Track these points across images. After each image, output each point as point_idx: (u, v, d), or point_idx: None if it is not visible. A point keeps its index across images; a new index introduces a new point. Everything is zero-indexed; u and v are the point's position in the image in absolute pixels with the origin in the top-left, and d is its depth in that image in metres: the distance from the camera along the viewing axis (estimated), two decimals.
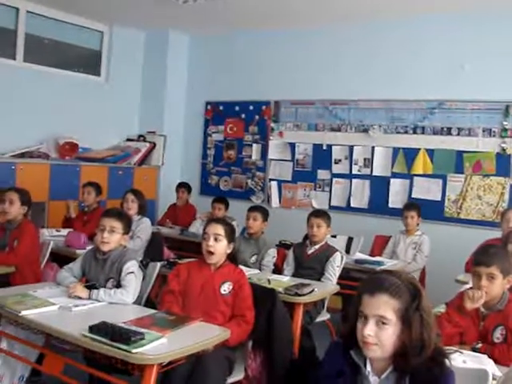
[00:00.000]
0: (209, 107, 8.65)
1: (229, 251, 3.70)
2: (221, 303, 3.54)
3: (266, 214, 5.52)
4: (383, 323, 1.99)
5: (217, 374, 3.19)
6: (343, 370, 2.11)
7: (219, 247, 3.63)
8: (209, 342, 2.95)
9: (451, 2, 6.33)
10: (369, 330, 1.98)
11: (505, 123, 6.49)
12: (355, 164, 7.37)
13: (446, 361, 2.06)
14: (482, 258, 3.20)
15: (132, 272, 3.64)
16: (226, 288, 3.57)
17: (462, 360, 2.61)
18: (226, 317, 3.52)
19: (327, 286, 4.68)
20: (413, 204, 6.39)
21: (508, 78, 6.40)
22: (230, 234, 3.71)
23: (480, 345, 3.06)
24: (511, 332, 3.05)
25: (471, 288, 3.21)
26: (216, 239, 3.62)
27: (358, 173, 7.36)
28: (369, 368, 2.09)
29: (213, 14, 7.40)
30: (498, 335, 3.09)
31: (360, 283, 2.17)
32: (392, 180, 7.12)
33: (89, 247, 4.27)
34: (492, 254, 3.24)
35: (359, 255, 5.74)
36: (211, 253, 3.60)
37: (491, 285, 3.11)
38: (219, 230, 3.67)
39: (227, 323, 3.41)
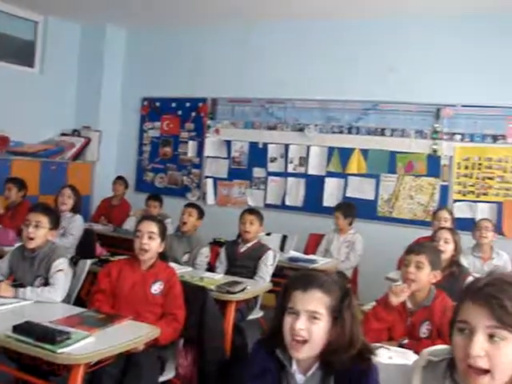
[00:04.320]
0: (145, 103, 8.55)
1: (160, 250, 3.67)
2: (151, 303, 3.51)
3: (201, 212, 5.52)
4: (315, 318, 1.99)
5: (148, 374, 3.17)
6: (269, 368, 2.11)
7: (153, 245, 3.60)
8: (138, 340, 2.93)
9: (385, 8, 6.50)
10: (301, 325, 1.97)
11: (436, 125, 6.67)
12: (291, 163, 7.43)
13: (372, 356, 2.10)
14: (414, 247, 3.37)
15: (61, 270, 3.57)
16: (156, 288, 3.54)
17: (388, 356, 2.66)
18: (157, 316, 3.49)
19: (260, 284, 4.70)
20: (340, 205, 6.50)
21: (439, 82, 6.58)
22: (163, 232, 3.69)
23: (406, 340, 3.12)
24: (436, 327, 3.13)
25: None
26: (150, 237, 3.59)
27: (294, 171, 7.42)
28: (294, 366, 2.09)
29: (150, 8, 7.34)
30: (424, 330, 3.17)
31: (289, 280, 2.17)
32: (327, 179, 7.21)
33: (18, 244, 4.17)
34: (423, 245, 3.46)
35: (293, 253, 5.79)
36: (145, 251, 3.57)
37: (418, 273, 3.21)
38: (153, 227, 3.64)
39: (157, 322, 3.38)
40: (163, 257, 3.80)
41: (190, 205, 5.61)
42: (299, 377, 2.09)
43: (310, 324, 1.99)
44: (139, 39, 8.60)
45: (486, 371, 1.56)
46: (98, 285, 3.58)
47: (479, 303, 1.59)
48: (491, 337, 1.56)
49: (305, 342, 1.98)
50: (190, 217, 5.39)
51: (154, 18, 7.83)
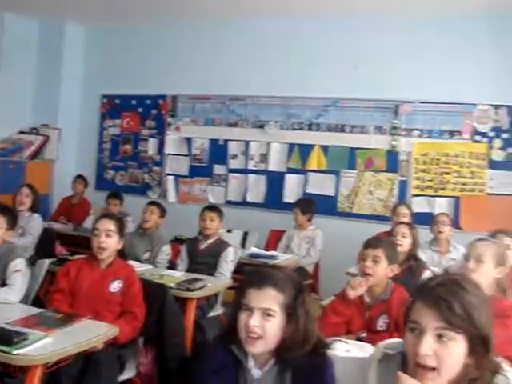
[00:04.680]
0: (105, 100, 8.49)
1: (119, 247, 3.65)
2: (110, 301, 3.48)
3: (163, 210, 5.52)
4: (269, 315, 2.02)
5: (108, 373, 3.15)
6: (226, 364, 2.13)
7: (111, 243, 3.58)
8: (97, 339, 2.91)
9: (345, 7, 6.58)
10: (255, 322, 2.00)
11: (394, 121, 6.78)
12: (251, 159, 7.46)
13: (327, 351, 2.13)
14: (371, 241, 3.40)
15: (19, 270, 3.53)
16: (115, 286, 3.51)
17: (345, 349, 2.70)
18: (116, 315, 3.47)
19: (220, 281, 4.70)
20: (299, 201, 6.54)
21: (398, 79, 6.68)
22: (121, 230, 3.67)
23: (364, 334, 3.16)
24: (394, 320, 3.17)
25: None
26: (108, 235, 3.57)
27: (254, 168, 7.45)
28: (251, 362, 2.11)
29: (110, 5, 7.28)
30: (381, 323, 3.21)
31: (244, 277, 2.20)
32: (287, 175, 7.26)
33: None
34: (380, 239, 3.51)
35: (254, 250, 5.81)
36: (103, 249, 3.54)
37: (375, 267, 3.25)
38: (110, 225, 3.62)
39: (117, 321, 3.36)
40: (122, 255, 3.77)
41: (152, 203, 5.60)
42: (256, 372, 2.11)
43: (264, 321, 2.01)
44: (99, 36, 8.51)
45: (434, 368, 1.63)
46: (57, 284, 3.55)
47: (429, 305, 1.66)
48: (440, 337, 1.64)
49: (259, 337, 2.01)
50: (151, 215, 5.38)
51: (113, 15, 7.75)
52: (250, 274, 2.19)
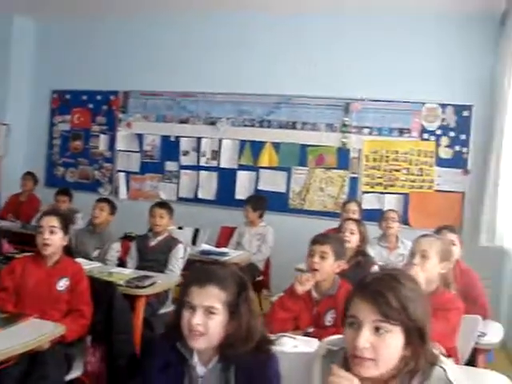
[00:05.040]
0: (55, 96, 8.35)
1: (65, 243, 3.60)
2: (57, 300, 3.43)
3: (113, 207, 5.47)
4: (211, 313, 2.02)
5: (55, 373, 3.10)
6: (171, 361, 2.13)
7: (55, 239, 3.53)
8: (42, 338, 2.86)
9: (296, 5, 6.64)
10: (197, 320, 2.00)
11: (345, 119, 6.87)
12: (203, 156, 7.46)
13: (272, 347, 2.15)
14: (318, 237, 3.44)
15: None
16: (62, 284, 3.46)
17: (293, 345, 2.73)
18: (63, 313, 3.42)
19: (170, 278, 4.68)
20: (250, 198, 6.58)
21: (349, 78, 6.78)
22: (66, 226, 3.62)
23: (312, 329, 3.19)
24: (341, 316, 3.20)
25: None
26: (51, 232, 3.52)
27: (206, 165, 7.45)
28: (196, 359, 2.12)
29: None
30: (329, 319, 3.23)
31: (188, 275, 2.20)
32: (239, 172, 7.29)
33: None
34: (328, 236, 3.56)
35: (205, 246, 5.80)
36: (47, 245, 3.49)
37: (323, 263, 3.29)
38: (54, 222, 3.57)
39: (64, 319, 3.32)
40: (70, 252, 3.73)
41: (102, 200, 5.56)
42: (200, 369, 2.12)
43: (207, 319, 2.02)
44: (49, 30, 8.36)
45: (371, 360, 1.67)
46: (1, 283, 3.47)
47: (366, 299, 1.70)
48: (377, 330, 1.68)
49: (202, 334, 2.01)
50: (101, 211, 5.34)
51: (63, 8, 7.62)
52: (193, 272, 2.19)
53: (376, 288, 1.71)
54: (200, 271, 2.14)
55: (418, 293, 1.76)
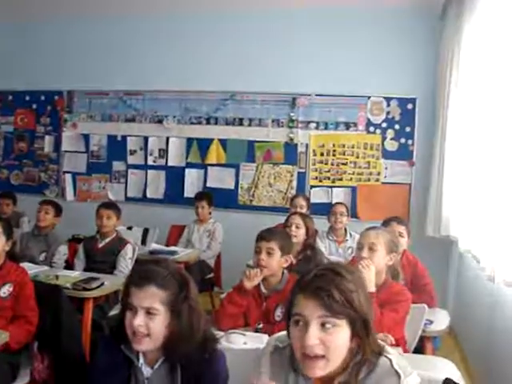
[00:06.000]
0: None
1: (7, 248, 3.52)
2: (1, 307, 3.34)
3: (58, 209, 5.36)
4: (152, 314, 2.00)
5: None
6: (117, 363, 2.11)
7: None
8: None
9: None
10: (139, 321, 1.99)
11: (292, 114, 6.90)
12: (150, 155, 7.40)
13: (217, 345, 2.15)
14: (264, 234, 3.43)
15: None
16: (5, 290, 3.38)
17: (243, 341, 2.73)
18: (8, 320, 3.34)
19: (118, 279, 4.57)
20: (203, 194, 6.55)
21: (295, 73, 6.83)
22: (8, 230, 3.54)
23: (262, 325, 3.19)
24: (285, 312, 3.21)
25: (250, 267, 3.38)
26: None
27: (154, 163, 7.39)
28: (141, 360, 2.11)
29: None
30: (278, 314, 3.24)
31: (128, 275, 2.18)
32: (187, 170, 7.25)
33: None
34: (273, 231, 3.51)
35: (155, 246, 5.76)
36: None
37: (269, 259, 3.30)
38: None
39: (8, 326, 3.24)
40: (14, 257, 3.64)
41: (46, 202, 5.41)
42: (146, 370, 2.12)
43: (148, 320, 2.00)
44: None
45: (322, 356, 1.69)
46: None
47: (309, 296, 1.72)
48: (323, 325, 1.69)
49: (145, 336, 2.00)
50: (46, 214, 5.22)
51: (5, 8, 7.44)
52: (133, 272, 2.16)
53: (318, 284, 1.72)
54: (139, 272, 2.10)
55: (358, 283, 1.79)
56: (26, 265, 4.06)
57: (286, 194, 6.91)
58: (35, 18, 7.68)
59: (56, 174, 7.85)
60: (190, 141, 7.22)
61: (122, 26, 7.42)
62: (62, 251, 5.07)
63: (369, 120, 6.74)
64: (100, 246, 5.02)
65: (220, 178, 7.11)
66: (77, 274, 4.46)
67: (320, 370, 1.70)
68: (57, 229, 5.34)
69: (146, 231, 6.26)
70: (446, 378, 2.09)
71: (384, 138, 6.69)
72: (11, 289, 3.39)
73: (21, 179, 8.00)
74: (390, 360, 1.73)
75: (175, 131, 7.28)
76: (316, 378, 1.76)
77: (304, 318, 1.71)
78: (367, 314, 1.74)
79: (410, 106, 6.62)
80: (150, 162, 7.40)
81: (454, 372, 2.41)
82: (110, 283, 4.30)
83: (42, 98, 7.91)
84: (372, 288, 3.05)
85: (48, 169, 7.88)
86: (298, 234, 4.47)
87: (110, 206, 5.16)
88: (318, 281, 1.73)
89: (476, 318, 4.70)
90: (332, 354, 1.69)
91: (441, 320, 3.77)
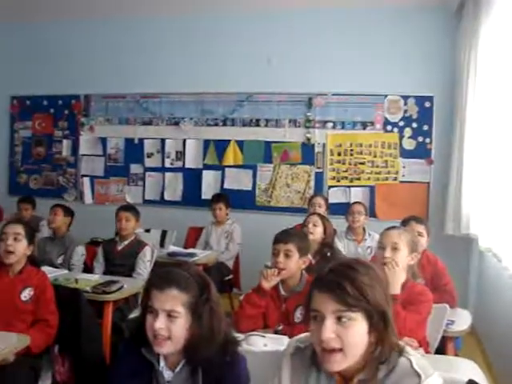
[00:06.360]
0: (15, 102, 8.19)
1: (29, 253, 3.55)
2: (22, 311, 3.37)
3: (67, 210, 5.41)
4: (174, 316, 2.00)
5: None
6: (137, 367, 2.10)
7: (19, 247, 3.47)
8: (6, 351, 2.80)
9: (259, 1, 6.64)
10: (160, 324, 1.98)
11: (308, 114, 6.87)
12: (167, 157, 7.40)
13: (238, 347, 2.14)
14: (281, 236, 3.40)
15: None
16: (26, 294, 3.41)
17: (263, 343, 2.71)
18: (29, 324, 3.36)
19: (138, 282, 4.60)
20: (219, 196, 6.54)
21: (311, 72, 6.80)
22: (30, 235, 3.57)
23: (282, 326, 3.18)
24: (305, 311, 3.19)
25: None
26: (15, 239, 3.47)
27: (171, 166, 7.39)
28: (162, 363, 2.10)
29: (15, 2, 7.03)
30: (298, 315, 3.22)
31: (149, 278, 2.18)
32: (204, 172, 7.25)
33: None
34: (290, 233, 3.47)
35: (173, 248, 5.77)
36: (10, 252, 3.44)
37: (288, 261, 3.28)
38: (19, 229, 3.53)
39: (29, 330, 3.26)
40: (34, 262, 3.66)
41: (55, 205, 5.47)
42: (168, 373, 2.11)
43: (169, 322, 2.00)
44: (5, 35, 8.16)
45: (339, 350, 1.70)
46: None
47: (324, 291, 1.73)
48: (339, 319, 1.70)
49: (166, 339, 1.99)
50: (55, 216, 5.28)
51: (19, 12, 7.48)
52: (154, 275, 2.17)
53: (332, 278, 1.73)
54: (160, 274, 2.10)
55: (374, 277, 1.78)
56: (45, 269, 4.08)
57: (303, 194, 6.89)
58: (53, 23, 7.73)
59: (74, 177, 7.88)
60: (206, 142, 7.22)
61: (138, 29, 7.44)
62: (80, 251, 5.11)
63: (386, 119, 6.69)
64: (119, 248, 5.05)
65: (237, 180, 7.10)
66: (96, 278, 4.48)
67: (338, 363, 1.71)
68: (71, 230, 5.37)
69: (164, 233, 6.28)
70: (470, 380, 2.06)
71: (401, 137, 6.65)
72: (32, 293, 3.41)
73: (39, 183, 8.04)
74: (410, 360, 1.73)
75: (192, 133, 7.27)
76: (337, 375, 1.78)
77: (320, 312, 1.72)
78: (384, 306, 1.74)
79: (427, 104, 6.57)
80: (167, 165, 7.40)
81: (477, 373, 2.38)
82: (130, 286, 4.32)
83: (60, 102, 7.94)
84: (397, 290, 3.02)
85: (66, 172, 7.92)
86: (315, 231, 4.46)
87: (129, 208, 5.18)
88: (332, 275, 1.75)
89: (498, 318, 4.66)
90: (349, 348, 1.70)
91: (462, 320, 3.73)
